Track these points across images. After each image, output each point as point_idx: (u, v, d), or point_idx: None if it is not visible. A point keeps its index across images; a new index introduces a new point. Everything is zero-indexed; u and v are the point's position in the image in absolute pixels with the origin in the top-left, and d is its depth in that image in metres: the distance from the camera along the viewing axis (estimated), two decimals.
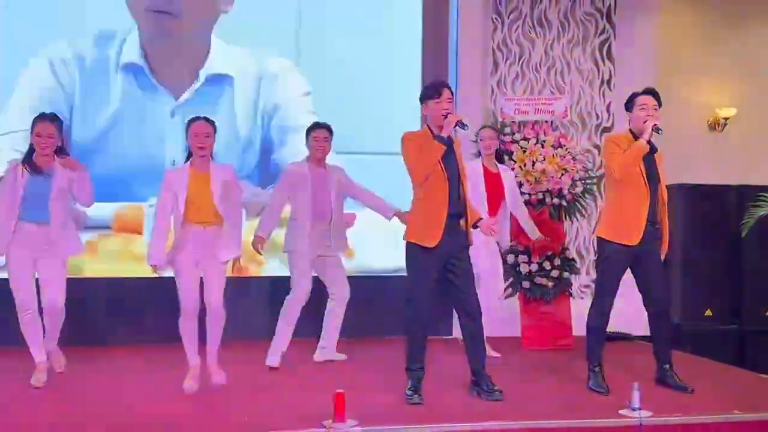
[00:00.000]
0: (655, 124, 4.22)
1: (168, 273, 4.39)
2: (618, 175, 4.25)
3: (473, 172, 5.14)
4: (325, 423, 3.56)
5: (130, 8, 6.01)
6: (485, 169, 5.37)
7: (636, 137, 4.29)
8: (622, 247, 4.32)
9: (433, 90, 4.15)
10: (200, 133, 4.29)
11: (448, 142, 4.07)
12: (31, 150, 4.34)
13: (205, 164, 4.34)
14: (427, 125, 4.21)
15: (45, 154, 4.31)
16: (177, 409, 3.98)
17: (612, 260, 4.39)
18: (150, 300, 5.65)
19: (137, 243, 5.73)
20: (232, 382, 4.47)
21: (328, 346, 5.20)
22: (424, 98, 4.20)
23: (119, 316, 5.72)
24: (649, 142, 4.23)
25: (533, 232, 5.47)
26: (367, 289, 5.68)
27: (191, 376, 4.32)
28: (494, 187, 5.35)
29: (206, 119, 4.36)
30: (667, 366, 4.47)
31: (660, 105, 4.39)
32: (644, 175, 4.28)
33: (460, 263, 4.16)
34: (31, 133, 4.30)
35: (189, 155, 4.41)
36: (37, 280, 4.42)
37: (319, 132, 5.01)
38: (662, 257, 4.50)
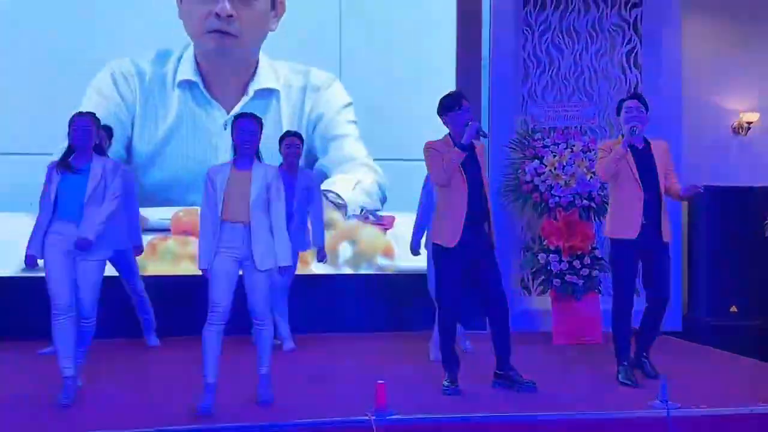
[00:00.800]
0: (631, 126, 4.24)
1: None
2: (602, 179, 4.40)
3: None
4: (368, 412, 3.58)
5: (188, 29, 6.14)
6: None
7: None
8: (626, 243, 4.33)
9: (453, 101, 4.20)
10: (245, 129, 3.89)
11: (469, 149, 4.08)
12: (69, 151, 4.04)
13: (247, 163, 3.91)
14: (449, 134, 4.22)
15: (82, 148, 4.01)
16: (237, 393, 3.99)
17: (621, 256, 4.43)
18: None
19: (192, 244, 5.79)
20: (290, 373, 4.47)
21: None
22: (444, 110, 4.22)
23: (177, 310, 5.71)
24: (632, 144, 4.26)
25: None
26: (407, 287, 5.64)
27: (206, 396, 3.75)
28: None
29: (253, 116, 3.98)
30: (645, 354, 4.54)
31: (646, 108, 4.42)
32: (635, 172, 4.28)
33: (484, 261, 4.18)
34: (69, 129, 4.01)
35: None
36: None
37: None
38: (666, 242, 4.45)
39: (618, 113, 4.49)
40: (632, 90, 6.74)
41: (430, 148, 4.17)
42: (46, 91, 3.92)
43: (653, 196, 4.31)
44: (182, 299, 5.50)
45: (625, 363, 4.37)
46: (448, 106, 4.19)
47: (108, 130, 5.26)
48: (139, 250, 5.41)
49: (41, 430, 3.59)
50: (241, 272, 3.90)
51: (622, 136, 4.40)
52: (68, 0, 6.06)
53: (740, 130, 7.26)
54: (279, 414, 3.69)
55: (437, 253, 4.22)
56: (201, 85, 6.19)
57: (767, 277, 6.68)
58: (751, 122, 7.22)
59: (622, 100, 4.49)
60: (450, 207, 4.13)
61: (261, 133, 3.95)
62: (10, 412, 3.75)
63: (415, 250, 5.19)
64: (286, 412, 3.71)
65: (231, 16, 6.07)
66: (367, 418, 3.52)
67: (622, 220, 4.34)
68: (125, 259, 5.17)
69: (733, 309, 6.58)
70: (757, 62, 7.26)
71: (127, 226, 5.03)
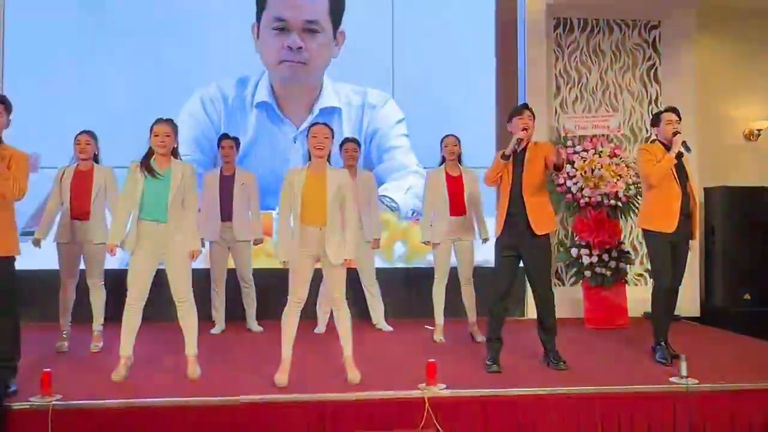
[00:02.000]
0: (684, 142, 4.28)
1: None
2: (654, 183, 4.34)
3: (437, 179, 5.12)
4: (420, 386, 3.65)
5: (264, 59, 6.47)
6: (447, 175, 5.12)
7: (665, 146, 4.38)
8: (663, 235, 4.34)
9: (515, 111, 4.26)
10: (319, 134, 3.85)
11: (509, 156, 4.07)
12: (149, 153, 3.99)
13: (321, 167, 3.87)
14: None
15: (162, 153, 3.95)
16: (305, 366, 4.12)
17: (659, 245, 4.40)
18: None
19: (268, 243, 5.99)
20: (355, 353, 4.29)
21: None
22: (509, 118, 4.28)
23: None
24: (681, 144, 4.29)
25: (484, 232, 5.26)
26: (455, 279, 5.73)
27: (283, 370, 3.82)
28: (457, 188, 5.09)
29: (324, 124, 3.97)
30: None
31: (680, 119, 4.45)
32: (676, 177, 4.33)
33: (529, 252, 4.15)
34: (150, 135, 3.96)
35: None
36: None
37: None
38: (695, 242, 4.51)
39: (654, 123, 4.52)
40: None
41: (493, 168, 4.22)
42: (149, 114, 4.06)
43: (687, 196, 4.36)
44: (260, 289, 5.71)
45: (662, 343, 4.38)
46: (510, 115, 4.27)
47: (237, 141, 5.60)
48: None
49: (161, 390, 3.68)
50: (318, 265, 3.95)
51: (660, 141, 4.43)
52: (164, 37, 6.35)
53: (751, 137, 7.28)
54: (345, 386, 3.76)
55: (496, 246, 4.28)
56: (275, 106, 6.47)
57: None
58: (761, 129, 7.25)
59: (660, 112, 4.53)
60: (500, 206, 4.20)
61: (332, 139, 3.95)
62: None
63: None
64: (353, 385, 3.79)
65: (300, 47, 6.42)
66: (420, 391, 3.60)
67: (663, 215, 4.32)
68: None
69: (747, 296, 6.59)
70: (765, 75, 7.26)
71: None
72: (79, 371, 4.15)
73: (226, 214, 5.47)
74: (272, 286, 5.29)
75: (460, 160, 5.19)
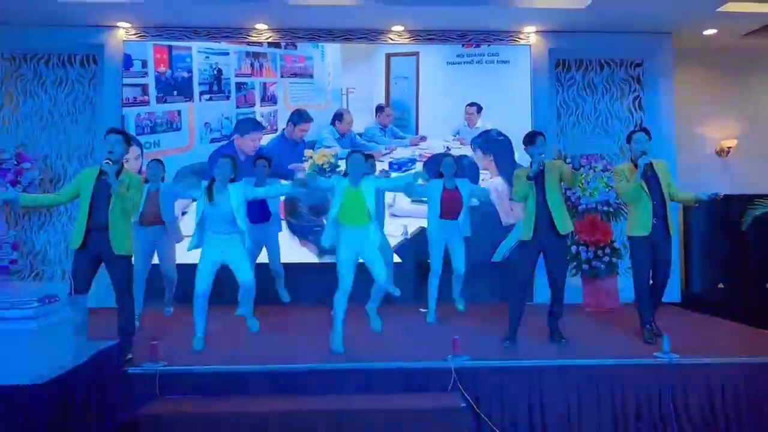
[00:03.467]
0: (641, 151, 4.11)
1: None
2: (626, 200, 4.24)
3: (434, 190, 4.86)
4: (447, 357, 3.68)
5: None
6: (444, 187, 4.87)
7: (635, 164, 4.18)
8: (640, 238, 4.19)
9: (528, 138, 4.18)
10: (356, 160, 4.04)
11: (537, 175, 4.05)
12: (212, 181, 4.06)
13: (356, 181, 4.02)
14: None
15: (222, 181, 4.03)
16: (358, 341, 4.12)
17: (638, 248, 4.24)
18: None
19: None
20: (397, 328, 4.58)
21: None
22: (523, 143, 4.20)
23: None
24: (644, 167, 4.08)
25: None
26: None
27: (335, 339, 3.95)
28: (453, 198, 4.84)
29: (360, 152, 4.19)
30: (650, 325, 4.27)
31: (650, 137, 4.29)
32: (645, 189, 4.15)
33: (552, 252, 4.10)
34: (211, 166, 4.18)
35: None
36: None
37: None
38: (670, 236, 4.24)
39: (628, 141, 4.32)
40: (637, 125, 6.67)
41: (517, 176, 4.20)
42: None
43: (659, 202, 4.17)
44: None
45: (648, 326, 4.24)
46: (524, 142, 4.19)
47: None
48: None
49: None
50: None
51: (631, 159, 4.27)
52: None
53: (722, 153, 7.12)
54: (386, 356, 3.78)
55: (519, 245, 4.21)
56: None
57: (745, 262, 6.59)
58: (731, 147, 7.10)
59: (632, 132, 4.33)
60: (526, 213, 4.13)
61: (366, 164, 4.11)
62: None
63: None
64: (392, 354, 3.81)
65: None
66: (447, 361, 3.64)
67: (637, 221, 4.20)
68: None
69: (721, 285, 6.50)
70: (734, 101, 7.13)
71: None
72: (180, 344, 4.25)
73: None
74: None
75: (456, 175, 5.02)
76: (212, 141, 6.25)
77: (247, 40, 6.38)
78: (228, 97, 6.32)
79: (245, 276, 4.11)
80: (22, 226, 6.33)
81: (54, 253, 6.37)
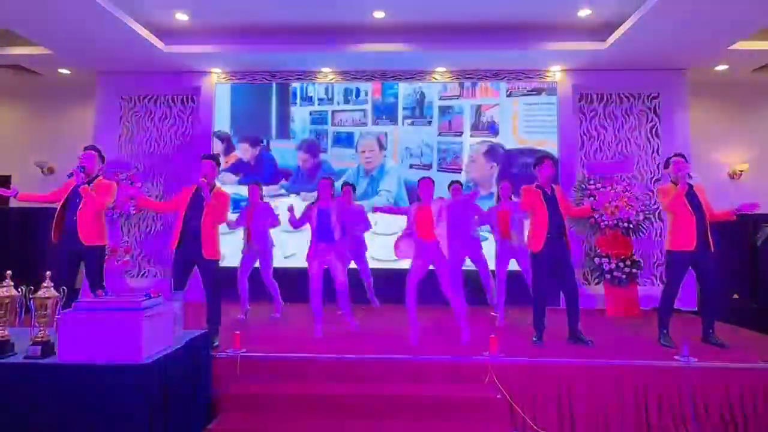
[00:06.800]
0: (687, 173, 3.95)
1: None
2: (671, 209, 3.98)
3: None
4: (484, 353, 3.63)
5: None
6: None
7: (675, 184, 4.03)
8: (682, 253, 3.95)
9: (537, 160, 4.13)
10: (424, 185, 4.08)
11: (552, 194, 4.02)
12: (317, 199, 4.23)
13: (426, 200, 4.08)
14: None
15: (324, 199, 4.17)
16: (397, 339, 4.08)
17: (676, 264, 3.99)
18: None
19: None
20: (437, 327, 4.50)
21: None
22: (534, 165, 4.17)
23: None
24: (686, 185, 3.93)
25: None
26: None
27: (413, 331, 3.97)
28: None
29: (429, 178, 4.11)
30: (711, 330, 4.07)
31: (687, 161, 4.11)
32: (688, 206, 3.96)
33: (561, 262, 4.00)
34: (318, 188, 4.25)
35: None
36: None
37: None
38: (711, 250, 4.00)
39: (666, 166, 4.13)
40: (654, 151, 6.42)
41: (527, 192, 4.10)
42: None
43: (701, 219, 3.95)
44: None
45: (665, 331, 4.03)
46: (533, 164, 4.19)
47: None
48: None
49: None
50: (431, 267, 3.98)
51: (671, 180, 4.07)
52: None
53: (734, 176, 6.76)
54: (437, 351, 3.73)
55: (533, 256, 4.09)
56: None
57: (757, 275, 6.16)
58: (742, 170, 6.74)
59: (670, 157, 4.11)
60: (536, 226, 4.03)
61: (433, 188, 4.09)
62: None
63: None
64: (436, 351, 3.74)
65: None
66: (485, 356, 3.58)
67: (682, 237, 3.93)
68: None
69: (736, 295, 6.09)
70: (744, 128, 6.79)
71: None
72: (256, 334, 4.30)
73: None
74: None
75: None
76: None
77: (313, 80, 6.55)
78: None
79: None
80: (133, 234, 6.65)
81: (156, 257, 6.63)
